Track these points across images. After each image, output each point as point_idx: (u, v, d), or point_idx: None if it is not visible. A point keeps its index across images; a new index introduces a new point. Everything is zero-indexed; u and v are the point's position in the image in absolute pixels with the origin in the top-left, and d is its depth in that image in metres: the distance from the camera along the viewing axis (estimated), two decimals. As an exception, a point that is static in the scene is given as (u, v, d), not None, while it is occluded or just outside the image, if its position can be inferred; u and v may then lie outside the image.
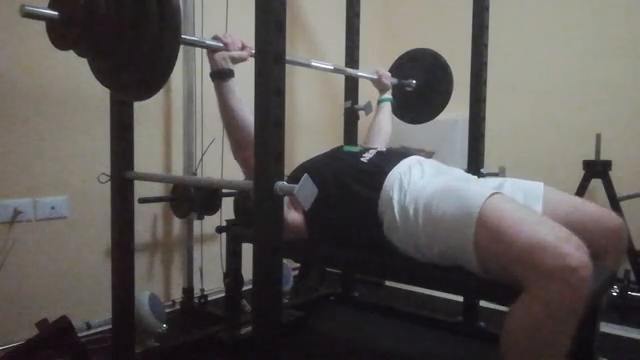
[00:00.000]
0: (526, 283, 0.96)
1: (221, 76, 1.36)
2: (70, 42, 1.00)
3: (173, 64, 0.98)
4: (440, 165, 1.43)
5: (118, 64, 1.02)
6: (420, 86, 2.15)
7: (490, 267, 1.07)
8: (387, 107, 2.01)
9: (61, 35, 1.01)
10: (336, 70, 1.95)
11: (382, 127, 1.96)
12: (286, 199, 1.36)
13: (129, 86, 1.06)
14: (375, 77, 2.03)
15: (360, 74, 2.08)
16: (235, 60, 1.39)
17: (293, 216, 1.41)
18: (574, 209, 1.27)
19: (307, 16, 2.77)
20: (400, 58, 2.24)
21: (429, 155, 2.62)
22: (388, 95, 2.04)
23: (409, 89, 2.15)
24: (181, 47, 2.08)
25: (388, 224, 1.26)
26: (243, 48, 1.40)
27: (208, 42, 1.37)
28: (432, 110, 2.17)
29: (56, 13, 0.98)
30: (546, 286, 0.93)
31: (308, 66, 1.77)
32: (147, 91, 1.03)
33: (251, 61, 0.95)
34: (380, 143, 1.88)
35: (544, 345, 0.95)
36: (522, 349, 0.97)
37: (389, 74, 2.07)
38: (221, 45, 1.37)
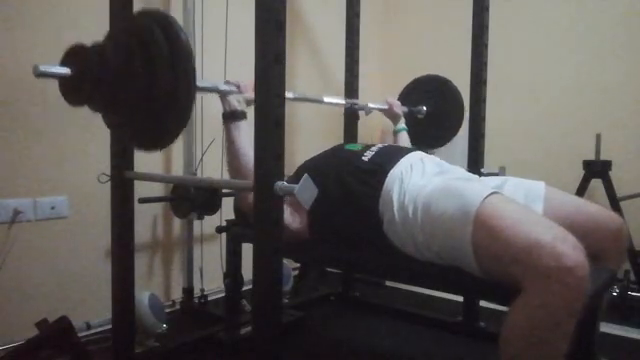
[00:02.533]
0: (524, 283, 0.96)
1: (234, 118, 1.37)
2: (84, 99, 1.00)
3: (189, 114, 0.98)
4: (442, 163, 1.43)
5: (132, 117, 1.02)
6: (431, 113, 2.13)
7: (488, 267, 1.07)
8: (404, 136, 2.02)
9: (74, 92, 1.01)
10: (348, 104, 1.97)
11: None
12: (289, 207, 1.37)
13: (145, 138, 1.05)
14: (386, 107, 2.04)
15: (371, 106, 2.07)
16: (249, 102, 1.40)
17: (297, 224, 1.41)
18: (575, 209, 1.27)
19: (307, 16, 2.76)
20: (408, 86, 2.23)
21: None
22: (402, 124, 2.04)
23: (420, 116, 2.14)
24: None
25: (388, 223, 1.26)
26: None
27: (222, 87, 1.37)
28: (445, 135, 2.15)
29: (68, 70, 0.98)
30: (543, 286, 0.93)
31: (320, 102, 1.78)
32: (163, 142, 1.03)
33: (251, 61, 0.95)
34: None
35: (542, 345, 0.95)
36: (520, 349, 0.97)
37: (399, 103, 2.07)
38: (234, 89, 1.38)
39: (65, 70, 0.99)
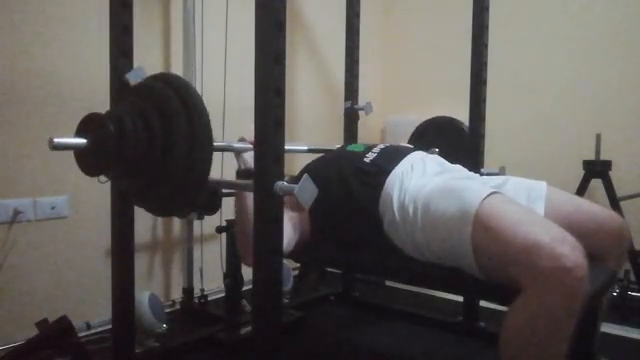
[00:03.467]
0: (523, 284, 0.96)
1: (249, 176, 1.34)
2: (101, 169, 1.00)
3: (207, 177, 0.97)
4: (443, 162, 1.43)
5: (149, 185, 1.01)
6: (443, 154, 2.11)
7: (488, 268, 1.07)
8: None
9: (91, 163, 0.99)
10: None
11: None
12: (292, 213, 1.36)
13: (162, 204, 1.05)
14: None
15: None
16: None
17: (300, 228, 1.41)
18: (576, 209, 1.27)
19: (307, 16, 2.77)
20: (419, 128, 2.20)
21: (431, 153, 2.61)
22: None
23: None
24: (181, 42, 2.10)
25: (388, 223, 1.26)
26: None
27: (235, 145, 1.35)
28: None
29: (84, 141, 0.98)
30: (542, 287, 0.93)
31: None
32: (180, 208, 1.04)
33: (251, 61, 0.95)
34: None
35: (542, 346, 0.95)
36: (520, 350, 0.97)
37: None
38: (249, 146, 1.35)
39: (81, 141, 0.97)
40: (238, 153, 1.37)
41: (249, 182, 0.98)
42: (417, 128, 2.19)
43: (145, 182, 1.02)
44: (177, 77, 1.00)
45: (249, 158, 1.35)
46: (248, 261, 1.36)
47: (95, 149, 0.97)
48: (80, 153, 1.01)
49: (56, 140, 0.95)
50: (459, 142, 2.06)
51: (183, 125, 0.93)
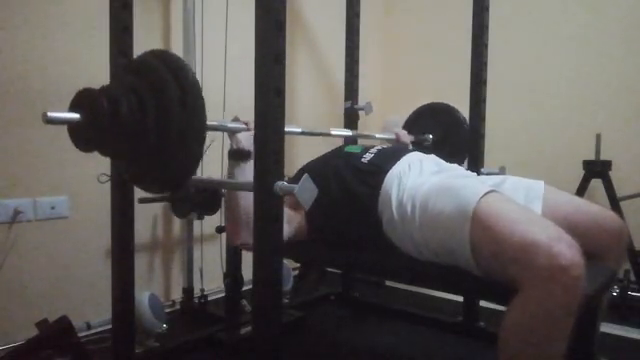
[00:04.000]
0: (520, 283, 0.97)
1: (239, 157, 1.33)
2: (94, 145, 0.99)
3: (200, 156, 0.97)
4: (440, 162, 1.43)
5: (143, 162, 1.01)
6: (437, 141, 2.12)
7: (486, 266, 1.07)
8: None
9: (84, 138, 0.98)
10: (354, 136, 1.96)
11: None
12: (288, 209, 1.37)
13: (155, 183, 1.05)
14: (393, 138, 2.04)
15: (379, 136, 2.07)
16: None
17: (296, 224, 1.41)
18: (574, 209, 1.27)
19: (307, 16, 2.77)
20: (413, 114, 2.21)
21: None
22: None
23: (427, 144, 2.14)
24: (181, 42, 2.09)
25: (387, 222, 1.27)
26: None
27: (230, 125, 1.34)
28: (452, 162, 2.14)
29: (78, 116, 0.96)
30: (539, 286, 0.93)
31: (328, 135, 1.78)
32: (174, 186, 1.03)
33: (251, 61, 0.95)
34: None
35: (540, 345, 0.95)
36: (518, 349, 0.97)
37: (406, 132, 2.05)
38: (243, 126, 1.35)
39: (74, 116, 0.96)
40: (232, 133, 1.36)
41: (249, 182, 0.98)
42: (412, 114, 2.21)
43: (139, 160, 1.02)
44: (174, 57, 0.99)
45: (242, 138, 1.34)
46: (235, 239, 1.36)
47: (88, 124, 0.96)
48: (73, 128, 0.99)
49: (50, 114, 0.94)
50: (454, 128, 2.08)
51: (177, 104, 0.93)
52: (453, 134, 2.08)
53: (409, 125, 2.16)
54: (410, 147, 2.00)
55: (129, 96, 0.95)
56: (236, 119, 1.38)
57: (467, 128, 2.03)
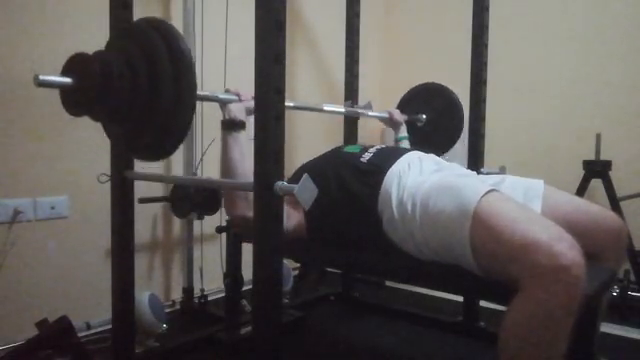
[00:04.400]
0: (521, 282, 0.97)
1: (232, 126, 1.35)
2: (85, 109, 0.99)
3: (189, 124, 0.98)
4: (440, 161, 1.43)
5: (133, 128, 1.01)
6: (430, 120, 2.14)
7: (486, 265, 1.07)
8: (405, 144, 2.02)
9: (76, 102, 0.99)
10: (348, 112, 1.97)
11: None
12: (287, 206, 1.37)
13: (145, 149, 1.05)
14: (386, 116, 2.04)
15: (371, 114, 2.08)
16: (249, 111, 1.39)
17: (292, 222, 1.41)
18: (574, 209, 1.27)
19: (307, 16, 2.77)
20: (407, 94, 2.23)
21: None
22: (404, 133, 2.04)
23: (420, 124, 2.15)
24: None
25: (387, 221, 1.26)
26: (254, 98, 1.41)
27: (221, 96, 1.36)
28: (446, 142, 2.15)
29: (70, 80, 0.97)
30: (540, 285, 0.93)
31: (321, 111, 1.78)
32: (164, 153, 1.03)
33: (251, 61, 0.95)
34: None
35: (540, 345, 0.95)
36: (518, 349, 0.97)
37: (399, 111, 2.07)
38: (234, 97, 1.37)
39: (66, 80, 0.97)
40: (223, 104, 1.38)
41: (249, 182, 0.98)
42: (406, 94, 2.22)
43: (129, 127, 1.02)
44: (168, 25, 1.00)
45: (234, 109, 1.36)
46: (232, 210, 1.36)
47: (80, 89, 0.96)
48: (65, 93, 1.00)
49: (42, 77, 0.94)
50: (447, 108, 2.10)
51: (168, 73, 0.94)
52: (447, 114, 2.11)
53: (402, 106, 2.17)
54: (404, 126, 2.02)
55: (121, 62, 0.96)
56: (228, 90, 1.40)
57: (461, 108, 2.05)
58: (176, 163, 2.17)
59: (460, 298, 2.02)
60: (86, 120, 1.87)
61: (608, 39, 2.48)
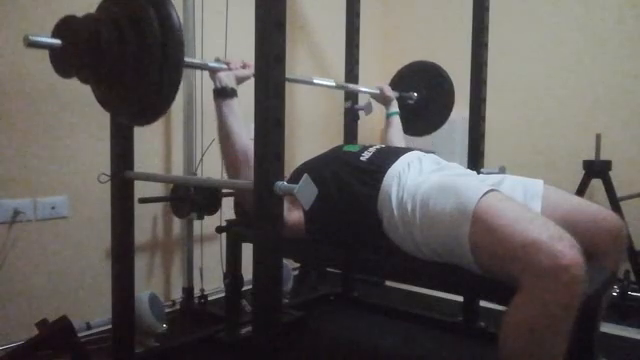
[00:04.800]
0: (521, 282, 0.97)
1: (224, 95, 1.36)
2: (73, 70, 1.01)
3: (176, 90, 0.99)
4: (440, 160, 1.43)
5: (121, 91, 1.03)
6: (422, 98, 2.15)
7: (486, 265, 1.07)
8: (396, 120, 2.02)
9: (64, 63, 1.01)
10: (338, 87, 1.97)
11: (394, 141, 1.96)
12: (286, 200, 1.36)
13: (132, 113, 1.06)
14: (377, 92, 2.05)
15: (362, 89, 2.09)
16: (239, 79, 1.40)
17: (292, 216, 1.41)
18: (574, 209, 1.27)
19: (307, 16, 2.77)
20: (399, 72, 2.24)
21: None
22: (395, 108, 2.04)
23: (410, 102, 2.15)
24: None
25: (387, 221, 1.26)
26: (244, 67, 1.42)
27: (211, 64, 1.37)
28: (435, 121, 2.17)
29: (59, 41, 0.98)
30: (540, 285, 0.93)
31: (310, 83, 1.79)
32: (151, 118, 1.04)
33: (251, 61, 0.95)
34: None
35: (540, 344, 0.95)
36: (518, 349, 0.97)
37: (390, 88, 2.08)
38: (224, 66, 1.38)
39: (55, 41, 0.98)
40: (213, 72, 1.38)
41: (249, 182, 0.98)
42: (398, 72, 2.23)
43: (117, 88, 1.03)
44: None
45: (224, 77, 1.36)
46: (235, 175, 1.37)
47: (68, 51, 0.98)
48: (55, 54, 1.02)
49: (31, 37, 0.95)
50: (438, 85, 2.12)
51: (156, 37, 0.95)
52: (437, 91, 2.13)
53: (394, 84, 2.19)
54: (395, 102, 2.04)
55: (110, 25, 0.97)
56: (218, 59, 1.40)
57: (451, 85, 2.08)
58: (176, 163, 2.17)
59: (460, 298, 2.02)
60: (86, 120, 1.87)
61: (608, 39, 2.48)
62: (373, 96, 2.09)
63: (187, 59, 1.14)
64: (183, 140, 2.15)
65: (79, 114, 1.83)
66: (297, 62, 2.70)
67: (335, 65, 2.61)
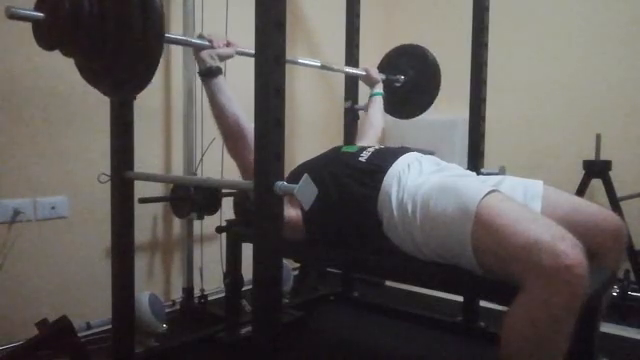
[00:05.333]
0: (523, 282, 0.97)
1: (209, 74, 1.38)
2: (55, 42, 1.03)
3: (157, 63, 1.01)
4: (439, 161, 1.43)
5: (103, 64, 1.05)
6: (408, 81, 2.16)
7: (488, 265, 1.07)
8: (378, 100, 2.03)
9: (46, 36, 1.03)
10: (324, 67, 1.96)
11: (373, 121, 1.97)
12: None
13: (114, 85, 1.09)
14: (363, 73, 2.05)
15: (348, 70, 2.09)
16: (222, 57, 1.41)
17: (289, 213, 1.40)
18: (573, 209, 1.27)
19: (307, 16, 2.76)
20: (387, 55, 2.25)
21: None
22: (379, 89, 2.05)
23: (397, 84, 2.16)
24: (181, 48, 2.09)
25: (387, 222, 1.26)
26: (228, 45, 1.42)
27: (193, 41, 1.37)
28: (421, 105, 2.18)
29: (42, 15, 1.00)
30: (542, 285, 0.93)
31: (295, 63, 1.78)
32: (132, 90, 1.08)
33: (251, 61, 0.95)
34: (372, 137, 1.90)
35: (541, 344, 0.95)
36: (520, 349, 0.97)
37: (376, 70, 2.08)
38: (206, 43, 1.38)
39: (38, 14, 1.00)
40: (196, 52, 1.38)
41: (249, 182, 0.98)
42: (386, 55, 2.25)
43: (98, 62, 1.06)
44: None
45: (206, 56, 1.37)
46: (233, 142, 1.41)
47: (51, 22, 1.00)
48: (37, 27, 1.04)
49: (13, 9, 0.97)
50: (423, 67, 2.14)
51: (137, 12, 0.96)
52: (424, 75, 2.14)
53: (381, 68, 2.19)
54: (380, 84, 2.06)
55: (92, 1, 0.99)
56: (201, 36, 1.41)
57: (438, 68, 2.12)
58: (176, 163, 2.17)
59: (460, 298, 2.02)
60: (86, 120, 1.87)
61: (608, 39, 2.48)
62: (360, 78, 2.09)
63: (169, 35, 1.16)
64: (183, 140, 2.15)
65: (79, 114, 1.83)
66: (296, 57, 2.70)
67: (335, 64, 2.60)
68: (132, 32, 0.97)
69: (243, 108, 1.40)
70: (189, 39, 1.37)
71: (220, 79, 1.39)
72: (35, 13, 1.00)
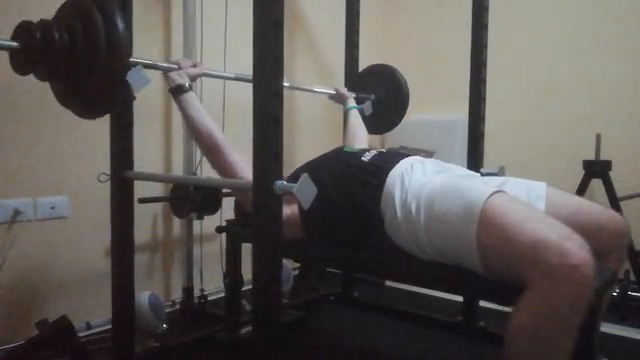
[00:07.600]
0: (529, 281, 0.96)
1: (178, 91, 1.42)
2: (29, 68, 1.14)
3: (122, 88, 1.12)
4: (442, 163, 1.43)
5: (72, 88, 1.15)
6: (378, 100, 2.23)
7: (492, 265, 1.07)
8: (354, 114, 2.08)
9: (21, 62, 1.13)
10: (292, 87, 2.04)
11: (357, 130, 2.02)
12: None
13: (83, 107, 1.17)
14: (333, 92, 2.13)
15: (318, 89, 2.16)
16: (191, 77, 1.47)
17: (285, 211, 1.40)
18: (577, 209, 1.27)
19: (307, 16, 2.76)
20: (360, 75, 2.32)
21: (429, 155, 2.62)
22: (352, 103, 2.11)
23: (368, 102, 2.21)
24: (181, 48, 2.10)
25: (390, 222, 1.26)
26: (195, 66, 1.50)
27: (161, 64, 1.44)
28: (391, 121, 2.28)
29: (16, 44, 1.10)
30: (549, 284, 0.93)
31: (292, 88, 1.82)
32: (100, 112, 1.17)
33: (250, 61, 0.95)
34: (360, 145, 1.91)
35: (547, 344, 0.95)
36: (526, 349, 0.97)
37: (345, 88, 2.17)
38: (174, 66, 1.45)
39: (13, 43, 1.10)
40: (165, 73, 1.45)
41: (249, 182, 0.98)
42: (359, 74, 2.32)
43: (68, 86, 1.16)
44: (107, 1, 1.11)
45: (176, 76, 1.44)
46: (208, 154, 1.45)
47: (25, 52, 1.10)
48: (14, 55, 1.14)
49: None
50: (393, 87, 2.22)
51: (102, 40, 1.07)
52: (393, 94, 2.23)
53: (353, 86, 2.25)
54: (350, 99, 2.13)
55: (62, 29, 1.09)
56: (169, 61, 1.50)
57: (405, 88, 2.21)
58: (176, 163, 2.17)
59: (460, 298, 2.02)
60: (86, 121, 1.87)
61: (608, 39, 2.48)
62: (330, 97, 2.16)
63: (135, 59, 1.24)
64: (183, 140, 2.15)
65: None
66: (296, 62, 2.70)
67: (335, 65, 2.61)
68: (98, 58, 1.06)
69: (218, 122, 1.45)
70: (157, 63, 1.43)
71: (190, 95, 1.43)
72: (10, 42, 1.11)
